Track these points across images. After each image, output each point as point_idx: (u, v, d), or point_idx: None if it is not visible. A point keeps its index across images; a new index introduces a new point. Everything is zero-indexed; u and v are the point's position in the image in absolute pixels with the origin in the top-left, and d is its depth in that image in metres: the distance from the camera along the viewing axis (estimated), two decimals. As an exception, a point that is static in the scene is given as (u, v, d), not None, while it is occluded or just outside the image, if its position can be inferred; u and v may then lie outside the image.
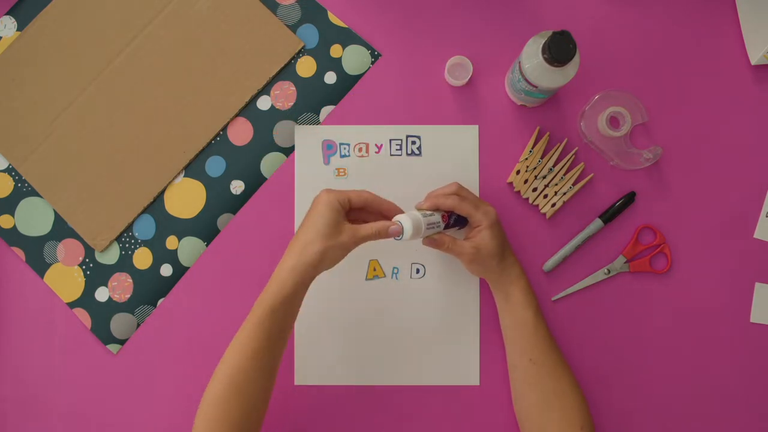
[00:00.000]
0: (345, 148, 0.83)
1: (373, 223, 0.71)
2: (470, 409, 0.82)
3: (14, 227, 0.85)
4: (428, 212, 0.73)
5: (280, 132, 0.85)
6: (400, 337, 0.82)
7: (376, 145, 0.83)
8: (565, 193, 0.82)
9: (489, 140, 0.84)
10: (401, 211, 0.73)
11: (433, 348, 0.82)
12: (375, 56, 0.85)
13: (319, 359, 0.82)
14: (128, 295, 0.84)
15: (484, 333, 0.82)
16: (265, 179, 0.84)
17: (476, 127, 0.83)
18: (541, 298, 0.82)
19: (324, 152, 0.83)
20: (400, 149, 0.83)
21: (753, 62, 0.83)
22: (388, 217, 0.73)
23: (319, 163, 0.83)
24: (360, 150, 0.83)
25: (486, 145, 0.84)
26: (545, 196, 0.82)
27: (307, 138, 0.84)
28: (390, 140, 0.83)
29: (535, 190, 0.82)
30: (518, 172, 0.82)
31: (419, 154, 0.83)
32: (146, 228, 0.84)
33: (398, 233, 0.70)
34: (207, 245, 0.84)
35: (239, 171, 0.84)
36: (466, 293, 0.82)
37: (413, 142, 0.83)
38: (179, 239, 0.84)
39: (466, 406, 0.82)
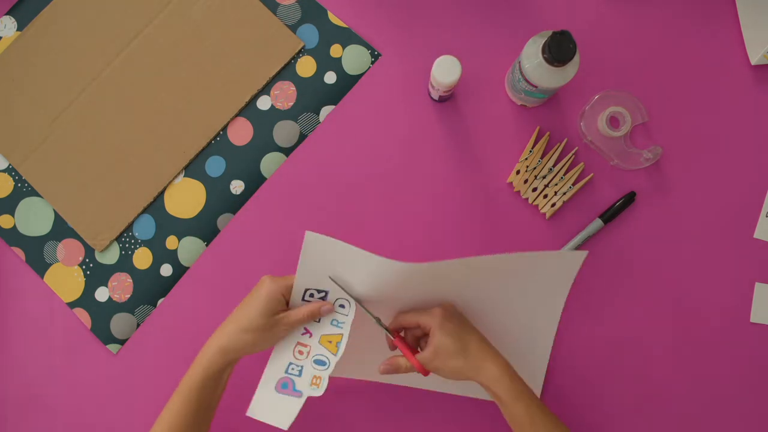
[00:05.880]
0: (294, 369, 0.75)
1: (306, 306, 0.74)
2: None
3: (14, 227, 0.85)
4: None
5: (280, 132, 0.85)
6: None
7: (307, 329, 0.76)
8: (565, 193, 0.82)
9: (489, 140, 0.84)
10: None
11: None
12: (375, 56, 0.85)
13: None
14: (128, 295, 0.84)
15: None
16: (265, 179, 0.84)
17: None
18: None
19: (280, 384, 0.75)
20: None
21: (753, 62, 0.83)
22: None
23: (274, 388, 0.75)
24: (300, 353, 0.75)
25: (486, 145, 0.84)
26: (545, 196, 0.82)
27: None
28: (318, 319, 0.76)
29: (535, 190, 0.82)
30: (518, 172, 0.82)
31: (347, 315, 0.76)
32: (146, 228, 0.84)
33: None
34: (207, 245, 0.84)
35: (239, 171, 0.84)
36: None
37: (342, 305, 0.75)
38: (179, 239, 0.84)
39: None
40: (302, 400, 0.73)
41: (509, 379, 0.69)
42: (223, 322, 0.73)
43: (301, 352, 0.75)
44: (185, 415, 0.70)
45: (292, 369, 0.74)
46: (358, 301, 0.74)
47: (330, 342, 0.74)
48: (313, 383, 0.73)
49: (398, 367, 0.72)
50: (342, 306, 0.75)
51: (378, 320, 0.74)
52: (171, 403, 0.71)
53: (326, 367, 0.73)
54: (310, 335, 0.75)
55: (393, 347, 0.76)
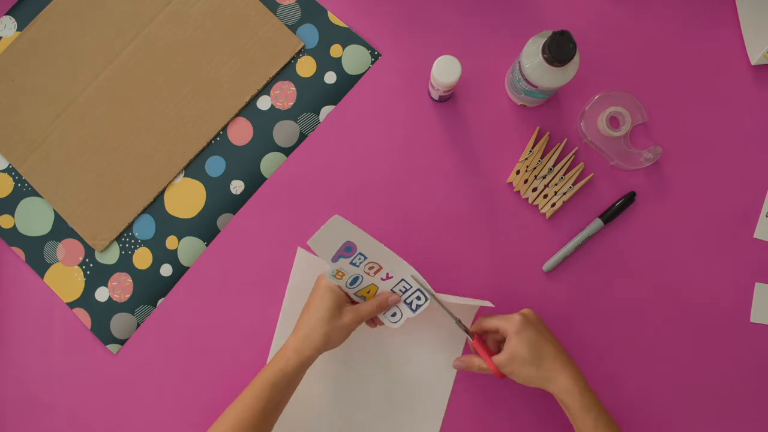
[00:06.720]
0: (359, 259, 0.75)
1: (373, 299, 0.77)
2: None
3: (14, 227, 0.85)
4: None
5: (280, 132, 0.85)
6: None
7: (387, 274, 0.77)
8: (565, 193, 0.82)
9: (489, 140, 0.84)
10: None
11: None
12: (375, 56, 0.85)
13: None
14: (128, 295, 0.84)
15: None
16: (265, 179, 0.84)
17: (490, 303, 0.78)
18: (541, 300, 0.82)
19: (340, 251, 0.74)
20: (405, 292, 0.78)
21: (753, 62, 0.83)
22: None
23: (328, 257, 0.75)
24: (371, 268, 0.76)
25: (486, 145, 0.84)
26: (545, 196, 0.82)
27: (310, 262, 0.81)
28: (401, 279, 0.77)
29: (535, 190, 0.82)
30: (518, 172, 0.82)
31: (415, 311, 0.78)
32: (146, 228, 0.84)
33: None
34: (207, 245, 0.84)
35: (239, 171, 0.85)
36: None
37: (418, 297, 0.77)
38: (179, 239, 0.84)
39: None
40: (322, 263, 0.77)
41: (579, 392, 0.71)
42: (295, 326, 0.74)
43: (372, 267, 0.76)
44: (255, 410, 0.71)
45: (358, 259, 0.75)
46: (438, 301, 0.76)
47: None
48: (338, 274, 0.74)
49: (471, 365, 0.75)
50: (419, 298, 0.77)
51: (458, 321, 0.76)
52: (241, 398, 0.72)
53: (357, 283, 0.76)
54: (386, 280, 0.77)
55: (474, 351, 0.77)
